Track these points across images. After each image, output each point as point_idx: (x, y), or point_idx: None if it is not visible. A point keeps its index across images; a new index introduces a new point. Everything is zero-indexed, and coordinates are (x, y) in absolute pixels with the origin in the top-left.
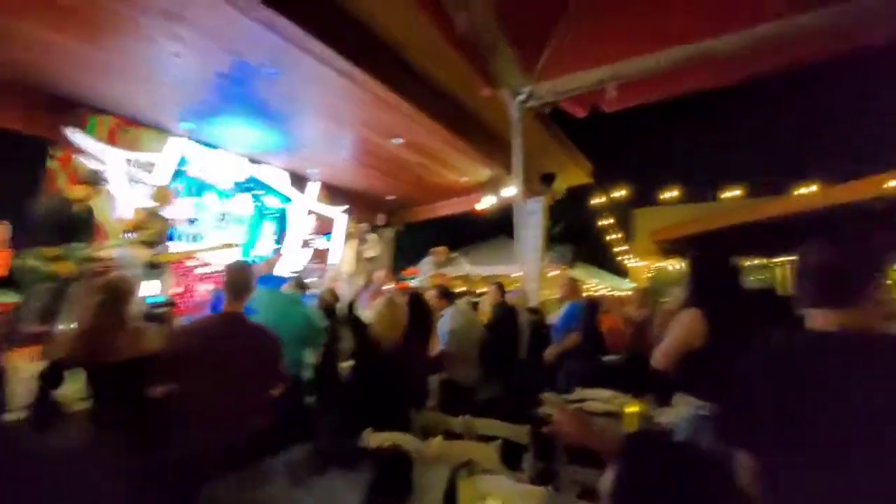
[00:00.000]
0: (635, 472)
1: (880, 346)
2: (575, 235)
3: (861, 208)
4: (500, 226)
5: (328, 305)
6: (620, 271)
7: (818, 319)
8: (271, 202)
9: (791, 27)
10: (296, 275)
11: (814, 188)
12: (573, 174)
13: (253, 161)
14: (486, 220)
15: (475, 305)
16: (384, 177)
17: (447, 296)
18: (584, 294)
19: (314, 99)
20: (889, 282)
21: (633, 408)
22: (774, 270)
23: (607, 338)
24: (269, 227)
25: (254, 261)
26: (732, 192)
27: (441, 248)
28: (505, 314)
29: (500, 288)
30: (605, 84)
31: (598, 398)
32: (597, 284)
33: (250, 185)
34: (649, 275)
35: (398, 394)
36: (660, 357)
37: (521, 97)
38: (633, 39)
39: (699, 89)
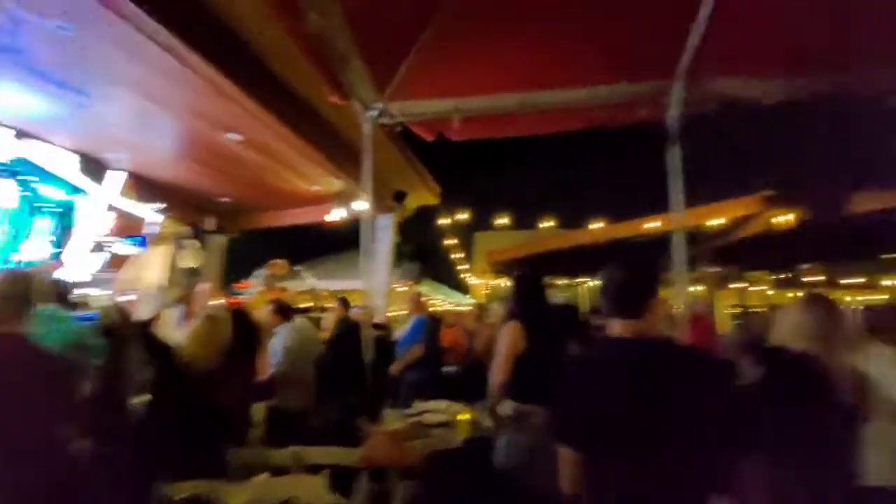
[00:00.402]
0: (426, 490)
1: (662, 347)
2: (422, 253)
3: (631, 242)
4: (352, 239)
5: (111, 324)
6: (463, 288)
7: (616, 328)
8: (49, 192)
9: (593, 95)
10: (57, 283)
11: (601, 224)
12: (422, 194)
13: (23, 136)
14: (338, 233)
15: (318, 322)
16: (216, 174)
17: (283, 312)
18: (429, 309)
19: (120, 69)
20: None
21: (464, 415)
22: (576, 289)
23: (451, 350)
24: (44, 225)
25: (21, 267)
26: (548, 223)
27: (280, 261)
28: (347, 330)
29: (344, 303)
30: (450, 115)
31: (436, 410)
32: (442, 300)
33: (17, 168)
34: (486, 291)
35: (210, 428)
36: (496, 374)
37: (373, 113)
38: (477, 79)
39: (531, 133)
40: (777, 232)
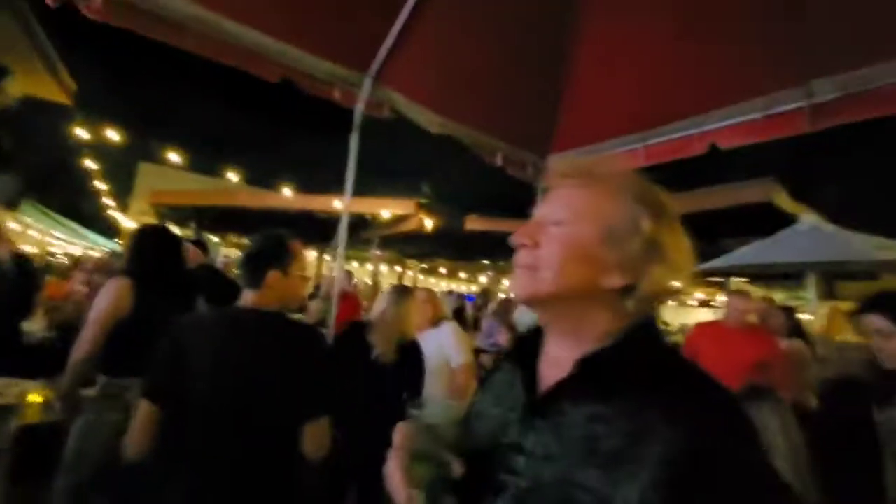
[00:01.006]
0: None
1: (261, 318)
2: (35, 168)
3: (319, 216)
4: None
5: None
6: (110, 230)
7: (244, 297)
8: None
9: (284, 52)
10: None
11: (290, 191)
12: (40, 82)
13: None
14: None
15: None
16: None
17: None
18: (14, 248)
19: None
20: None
21: (36, 397)
22: None
23: (55, 310)
24: None
25: None
26: (233, 175)
27: None
28: None
29: None
30: None
31: None
32: (65, 240)
33: None
34: None
35: None
36: (82, 343)
37: None
38: None
39: (206, 55)
40: (425, 231)
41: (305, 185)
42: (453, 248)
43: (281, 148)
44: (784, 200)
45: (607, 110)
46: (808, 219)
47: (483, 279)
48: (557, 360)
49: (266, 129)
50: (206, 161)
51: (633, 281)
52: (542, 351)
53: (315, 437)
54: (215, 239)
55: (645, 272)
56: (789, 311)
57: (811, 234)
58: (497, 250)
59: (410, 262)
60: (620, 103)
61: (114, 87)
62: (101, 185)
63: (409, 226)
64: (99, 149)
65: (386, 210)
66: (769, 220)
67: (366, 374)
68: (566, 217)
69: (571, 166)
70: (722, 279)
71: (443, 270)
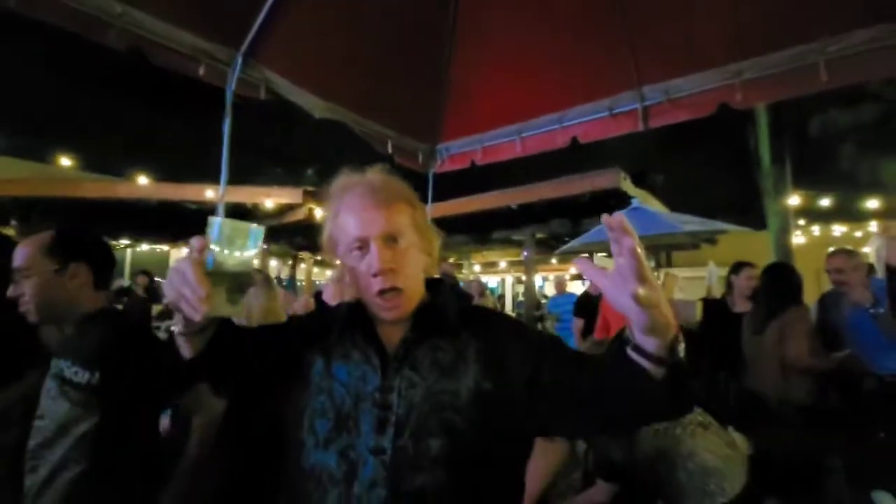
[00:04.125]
0: None
1: None
2: None
3: (186, 207)
4: None
5: None
6: None
7: None
8: None
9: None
10: None
11: (145, 178)
12: None
13: None
14: None
15: None
16: None
17: None
18: None
19: None
20: None
21: None
22: (119, 252)
23: None
24: None
25: None
26: (66, 160)
27: None
28: None
29: None
30: None
31: None
32: None
33: None
34: None
35: None
36: None
37: None
38: None
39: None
40: (316, 222)
41: (166, 173)
42: None
43: (131, 129)
44: (628, 186)
45: (489, 103)
46: (636, 201)
47: None
48: (394, 323)
49: (110, 106)
50: (26, 143)
51: (430, 255)
52: (375, 319)
53: None
54: None
55: (433, 245)
56: None
57: (637, 213)
58: None
59: (303, 254)
60: (500, 96)
61: None
62: None
63: (298, 216)
64: None
65: (269, 199)
66: (619, 204)
67: None
68: (401, 234)
69: (375, 188)
70: (586, 255)
71: (338, 262)
